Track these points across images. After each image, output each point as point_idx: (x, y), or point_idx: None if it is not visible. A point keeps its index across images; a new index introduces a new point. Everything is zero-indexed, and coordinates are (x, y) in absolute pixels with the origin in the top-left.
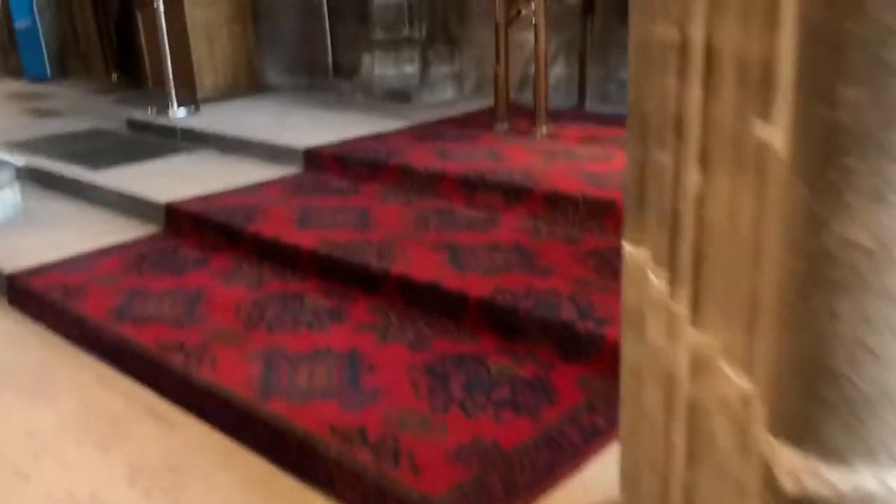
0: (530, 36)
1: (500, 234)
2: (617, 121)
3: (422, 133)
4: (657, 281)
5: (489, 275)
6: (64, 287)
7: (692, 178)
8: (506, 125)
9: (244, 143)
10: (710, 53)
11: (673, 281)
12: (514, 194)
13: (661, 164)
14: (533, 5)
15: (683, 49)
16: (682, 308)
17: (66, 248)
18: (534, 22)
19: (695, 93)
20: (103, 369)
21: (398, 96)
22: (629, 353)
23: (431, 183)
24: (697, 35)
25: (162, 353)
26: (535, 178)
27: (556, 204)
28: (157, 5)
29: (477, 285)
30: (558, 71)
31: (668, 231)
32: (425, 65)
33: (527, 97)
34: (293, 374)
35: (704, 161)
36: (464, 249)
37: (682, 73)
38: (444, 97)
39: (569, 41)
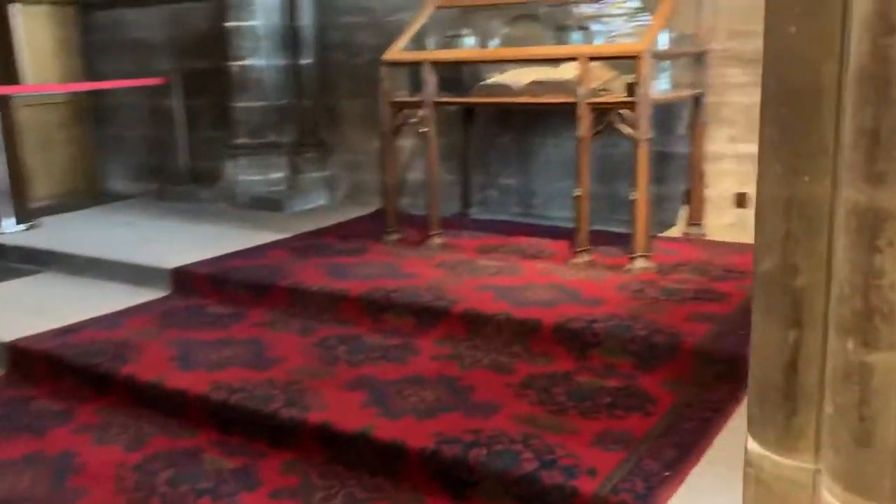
0: (405, 142)
1: (421, 364)
2: (506, 229)
3: (303, 246)
4: None
5: (423, 418)
6: None
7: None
8: (396, 236)
9: (97, 263)
10: (877, 214)
11: None
12: (428, 316)
13: (837, 353)
14: (421, 113)
15: (849, 209)
16: None
17: None
18: (423, 130)
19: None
20: None
21: (267, 204)
22: None
23: (330, 305)
24: (861, 196)
25: None
26: (447, 296)
27: (475, 326)
28: None
29: (414, 433)
30: (440, 177)
31: (861, 446)
32: (295, 171)
33: (405, 204)
34: None
35: None
36: (385, 386)
37: (855, 235)
38: (317, 204)
39: (450, 147)
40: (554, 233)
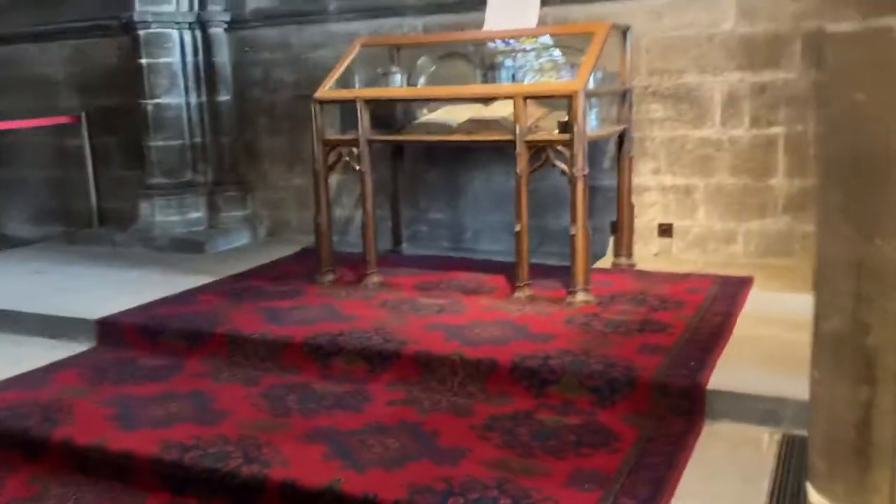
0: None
1: (378, 411)
2: (441, 264)
3: (235, 290)
4: None
5: (391, 468)
6: None
7: None
8: (331, 276)
9: (8, 317)
10: None
11: None
12: (379, 359)
13: None
14: (356, 151)
15: None
16: None
17: None
18: (359, 168)
19: None
20: None
21: (187, 246)
22: None
23: (272, 353)
24: None
25: None
26: (395, 338)
27: (429, 367)
28: None
29: (384, 485)
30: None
31: None
32: (214, 210)
33: (332, 242)
34: None
35: None
36: (344, 436)
37: None
38: (239, 244)
39: (378, 183)
40: (489, 267)
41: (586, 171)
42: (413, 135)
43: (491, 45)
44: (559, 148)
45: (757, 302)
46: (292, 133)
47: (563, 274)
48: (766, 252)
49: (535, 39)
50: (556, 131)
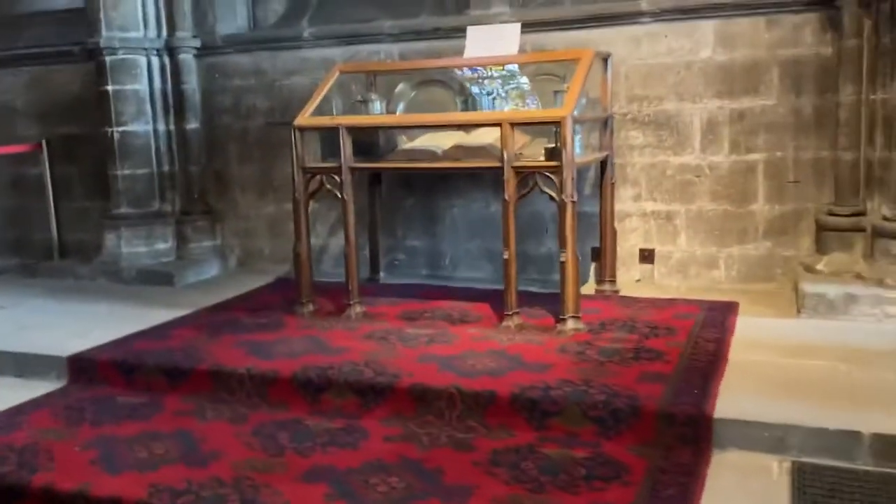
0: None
1: (376, 448)
2: (422, 293)
3: (212, 323)
4: None
5: None
6: None
7: None
8: (311, 307)
9: None
10: None
11: None
12: (372, 393)
13: None
14: (338, 178)
15: None
16: None
17: None
18: (342, 196)
19: None
20: None
21: (155, 278)
22: None
23: (259, 388)
24: None
25: None
26: (387, 371)
27: (424, 401)
28: None
29: None
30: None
31: None
32: (183, 240)
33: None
34: None
35: None
36: (345, 476)
37: None
38: (210, 275)
39: (357, 212)
40: (471, 295)
41: (575, 198)
42: (397, 162)
43: (458, 73)
44: (550, 174)
45: (746, 328)
46: (264, 161)
47: (548, 301)
48: (747, 277)
49: (501, 67)
50: (542, 158)
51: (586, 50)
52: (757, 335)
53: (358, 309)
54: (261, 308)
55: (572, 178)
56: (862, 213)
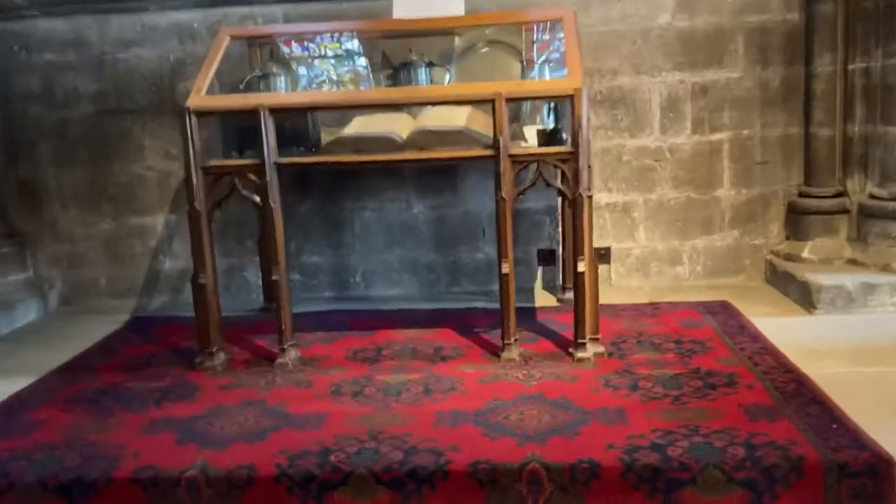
0: (149, 220)
1: None
2: (350, 322)
3: (82, 394)
4: None
5: None
6: None
7: None
8: (223, 356)
9: None
10: None
11: None
12: (412, 481)
13: None
14: (257, 179)
15: None
16: None
17: None
18: (265, 202)
19: None
20: None
21: None
22: None
23: (227, 498)
24: None
25: None
26: (418, 447)
27: (498, 487)
28: None
29: None
30: (224, 265)
31: None
32: None
33: (163, 305)
34: None
35: None
36: None
37: None
38: (27, 321)
39: (228, 224)
40: (416, 319)
41: (592, 192)
42: (341, 155)
43: (285, 49)
44: (563, 164)
45: (771, 332)
46: (95, 162)
47: (516, 319)
48: (713, 272)
49: (338, 45)
50: (524, 143)
51: (567, 8)
52: (791, 340)
53: (293, 354)
54: (142, 364)
55: (588, 167)
56: (842, 194)
